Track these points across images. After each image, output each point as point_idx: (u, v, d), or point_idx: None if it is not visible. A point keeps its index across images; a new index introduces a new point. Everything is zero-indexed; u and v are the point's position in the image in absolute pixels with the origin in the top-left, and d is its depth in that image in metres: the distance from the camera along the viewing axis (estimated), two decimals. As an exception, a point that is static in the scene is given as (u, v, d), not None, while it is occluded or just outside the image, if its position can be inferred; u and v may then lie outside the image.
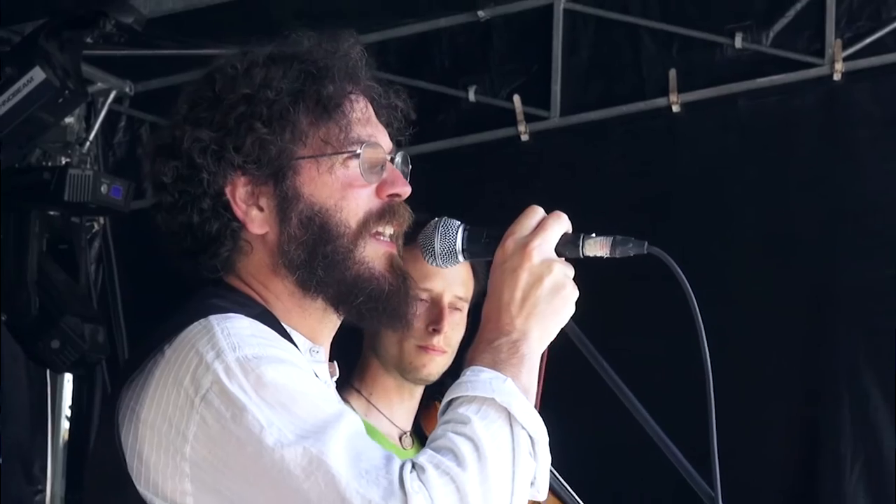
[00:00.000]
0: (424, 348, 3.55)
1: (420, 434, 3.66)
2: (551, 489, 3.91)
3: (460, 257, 2.29)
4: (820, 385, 5.46)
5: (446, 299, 3.59)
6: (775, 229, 5.60)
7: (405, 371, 3.58)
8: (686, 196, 5.73)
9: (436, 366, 3.57)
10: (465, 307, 3.64)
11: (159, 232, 2.31)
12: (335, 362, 2.37)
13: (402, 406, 3.64)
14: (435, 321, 3.56)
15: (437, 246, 2.28)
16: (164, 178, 2.25)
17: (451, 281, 3.58)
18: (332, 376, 2.35)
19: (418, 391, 3.66)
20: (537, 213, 2.24)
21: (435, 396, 3.67)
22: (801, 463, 5.45)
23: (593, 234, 2.23)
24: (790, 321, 5.53)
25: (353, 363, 3.65)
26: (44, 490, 6.28)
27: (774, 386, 5.51)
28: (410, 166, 2.37)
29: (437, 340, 3.56)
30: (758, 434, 5.47)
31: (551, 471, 3.64)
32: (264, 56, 2.28)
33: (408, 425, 3.64)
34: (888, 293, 5.36)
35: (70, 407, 6.40)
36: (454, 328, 3.60)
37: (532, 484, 2.11)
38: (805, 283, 5.53)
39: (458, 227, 2.29)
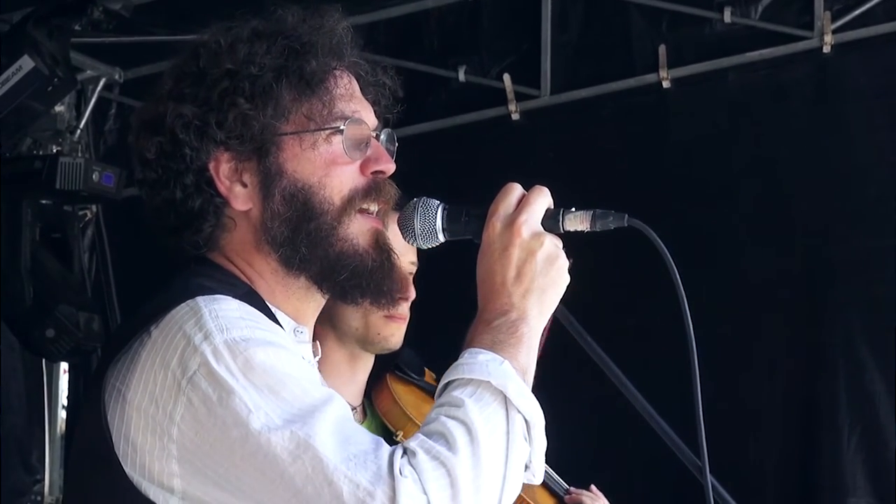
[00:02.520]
0: (391, 317, 3.48)
1: (370, 406, 3.64)
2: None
3: (441, 236, 2.28)
4: (815, 357, 5.47)
5: (405, 267, 3.56)
6: (767, 202, 5.60)
7: (369, 343, 3.51)
8: (677, 171, 5.73)
9: (401, 333, 3.53)
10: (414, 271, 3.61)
11: (145, 210, 2.29)
12: (317, 342, 2.35)
13: (352, 381, 3.55)
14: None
15: (418, 226, 2.27)
16: (148, 153, 2.23)
17: (402, 250, 3.54)
18: (314, 356, 2.33)
19: (370, 362, 3.58)
20: (516, 189, 2.23)
21: (386, 369, 3.65)
22: (798, 436, 5.46)
23: (573, 209, 2.22)
24: (784, 294, 5.54)
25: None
26: (42, 479, 6.30)
27: (770, 359, 5.52)
28: (396, 144, 2.35)
29: (404, 308, 3.54)
30: (755, 408, 5.48)
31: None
32: (248, 31, 2.26)
33: (357, 400, 3.58)
34: (881, 264, 5.36)
35: (67, 396, 6.40)
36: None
37: (527, 468, 2.08)
38: (798, 255, 5.54)
39: (438, 207, 2.28)
